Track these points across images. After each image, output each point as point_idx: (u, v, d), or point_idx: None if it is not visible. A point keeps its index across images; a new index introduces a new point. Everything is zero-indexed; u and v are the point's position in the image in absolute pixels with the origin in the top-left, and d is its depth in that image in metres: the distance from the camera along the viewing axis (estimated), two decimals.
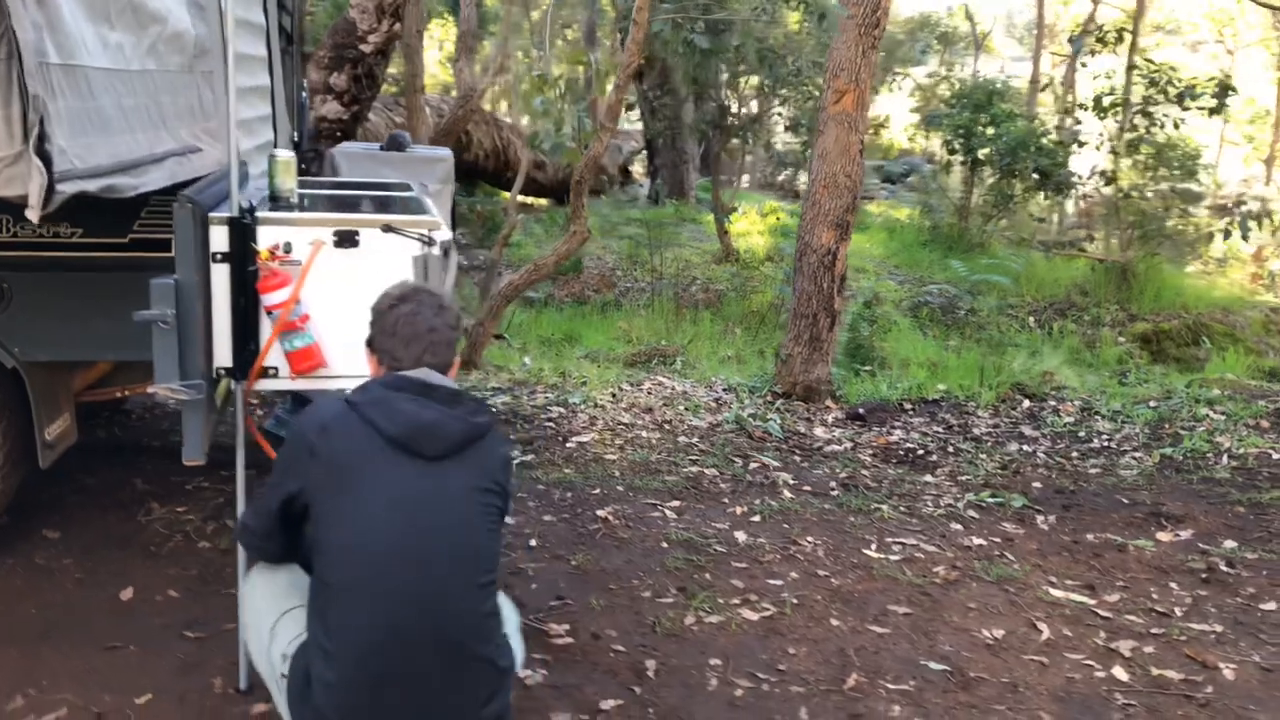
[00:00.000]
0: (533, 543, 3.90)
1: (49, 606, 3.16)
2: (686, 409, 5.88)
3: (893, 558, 3.98)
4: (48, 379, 3.18)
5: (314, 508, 2.04)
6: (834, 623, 3.42)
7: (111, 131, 2.55)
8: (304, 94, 5.21)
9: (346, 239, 2.59)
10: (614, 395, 5.99)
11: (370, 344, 2.19)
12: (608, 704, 2.87)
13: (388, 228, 2.61)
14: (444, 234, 2.71)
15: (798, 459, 5.16)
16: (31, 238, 2.96)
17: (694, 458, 5.01)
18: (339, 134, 8.68)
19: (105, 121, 2.50)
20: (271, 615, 2.18)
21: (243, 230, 2.50)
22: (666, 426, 5.52)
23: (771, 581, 3.70)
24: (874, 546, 4.08)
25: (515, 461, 2.14)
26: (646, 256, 11.38)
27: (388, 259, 2.62)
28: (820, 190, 6.14)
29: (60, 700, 2.71)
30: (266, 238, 2.54)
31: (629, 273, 11.27)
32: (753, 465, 4.97)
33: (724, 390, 6.48)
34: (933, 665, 3.19)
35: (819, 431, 5.72)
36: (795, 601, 3.55)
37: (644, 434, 5.35)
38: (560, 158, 5.98)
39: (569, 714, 2.82)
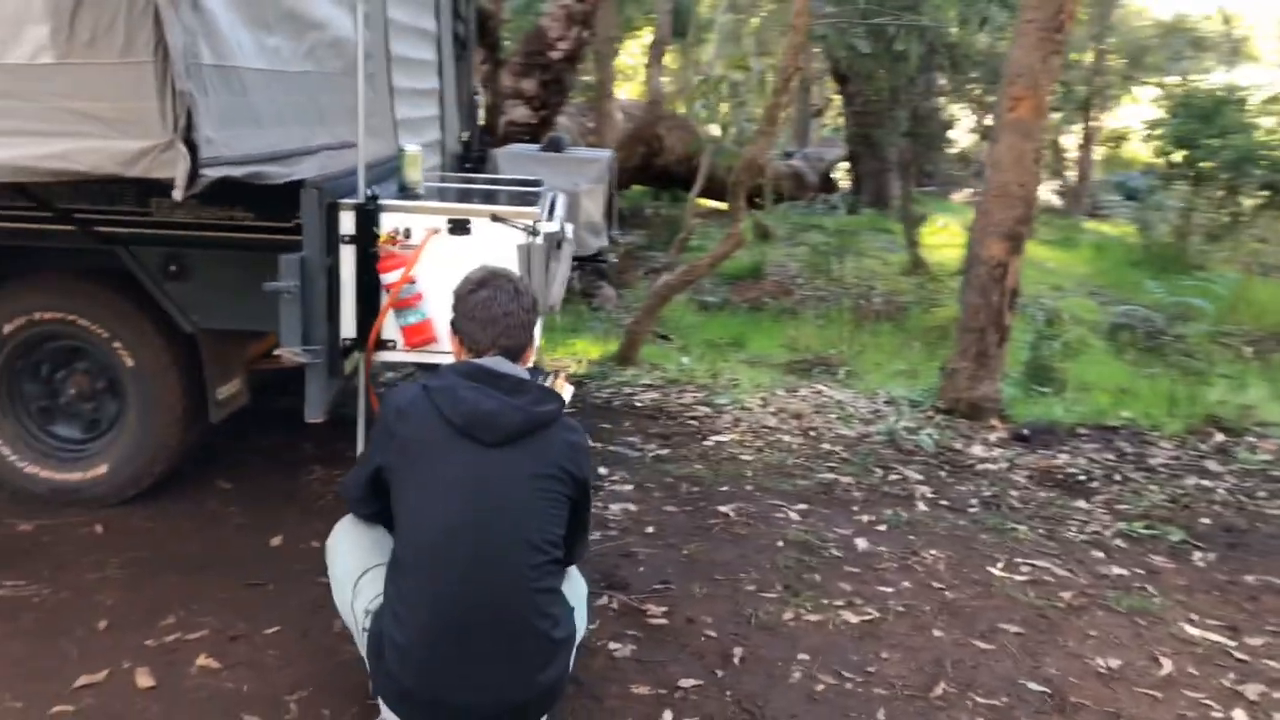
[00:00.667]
0: (650, 530, 4.07)
1: (210, 544, 3.61)
2: (838, 418, 5.88)
3: (1018, 578, 3.89)
4: (220, 345, 3.64)
5: (392, 484, 2.29)
6: (936, 633, 3.40)
7: (264, 125, 2.92)
8: (476, 96, 5.60)
9: (459, 227, 2.86)
10: (764, 400, 6.07)
11: (453, 326, 2.41)
12: (687, 683, 3.00)
13: (495, 218, 2.85)
14: (549, 226, 2.93)
15: (943, 474, 5.07)
16: (211, 219, 3.40)
17: (832, 465, 5.03)
18: (526, 137, 9.21)
19: (258, 116, 2.87)
20: (356, 571, 2.45)
21: (367, 216, 2.80)
22: (811, 433, 5.55)
23: (881, 588, 3.71)
24: (1000, 565, 3.99)
25: (588, 447, 2.29)
26: (831, 265, 11.32)
27: (495, 246, 2.87)
28: (992, 200, 5.99)
29: (204, 623, 3.12)
30: (388, 223, 2.83)
31: (810, 281, 11.25)
32: (892, 477, 4.94)
33: (885, 403, 6.42)
34: (1032, 685, 3.12)
35: (976, 449, 5.59)
36: (901, 609, 3.55)
37: (786, 438, 5.41)
38: (721, 160, 6.12)
39: (649, 688, 2.96)
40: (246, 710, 2.70)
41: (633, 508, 4.28)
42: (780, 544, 4.03)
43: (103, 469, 3.85)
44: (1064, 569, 4.01)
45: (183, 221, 3.51)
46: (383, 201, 2.88)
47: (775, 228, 13.36)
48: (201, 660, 2.92)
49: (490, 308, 2.35)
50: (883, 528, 4.28)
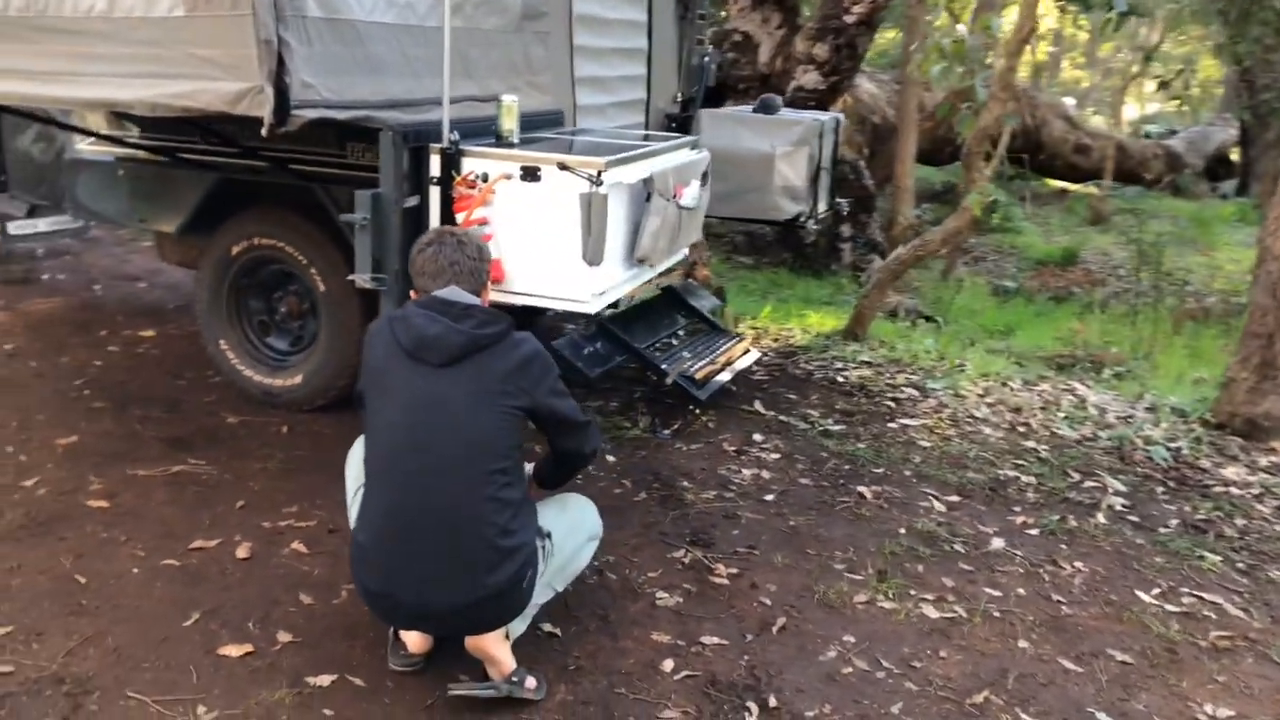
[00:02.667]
0: (768, 498, 4.11)
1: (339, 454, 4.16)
2: (1066, 418, 5.47)
3: (1169, 607, 3.51)
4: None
5: (365, 405, 2.61)
6: (1021, 644, 3.19)
7: (385, 74, 3.31)
8: (705, 58, 5.77)
9: (530, 173, 3.10)
10: (985, 390, 5.77)
11: (413, 287, 2.67)
12: (710, 640, 3.08)
13: (562, 166, 3.06)
14: (620, 177, 3.08)
15: (1158, 490, 4.60)
16: (362, 161, 3.90)
17: (1021, 463, 4.72)
18: (813, 104, 9.19)
19: (377, 65, 3.26)
20: (353, 487, 2.80)
21: (449, 159, 3.13)
22: (1020, 429, 5.22)
23: (988, 590, 3.51)
24: (1155, 592, 3.61)
25: (541, 360, 2.41)
26: (1163, 257, 10.24)
27: (561, 193, 3.08)
28: None
29: (316, 516, 3.65)
30: (469, 167, 3.14)
31: (1134, 273, 10.26)
32: (1087, 484, 4.56)
33: (1145, 409, 5.85)
34: (1101, 715, 2.86)
35: (1228, 471, 4.97)
36: (996, 614, 3.35)
37: (986, 430, 5.14)
38: (962, 129, 5.83)
39: (670, 638, 3.08)
40: (306, 590, 3.16)
41: (765, 475, 4.33)
42: (902, 531, 3.91)
43: (298, 378, 4.54)
44: (1239, 608, 3.55)
45: (371, 165, 4.04)
46: (464, 146, 3.19)
47: (1109, 210, 12.25)
48: (295, 545, 3.44)
49: (437, 259, 2.60)
50: (1034, 532, 4.00)
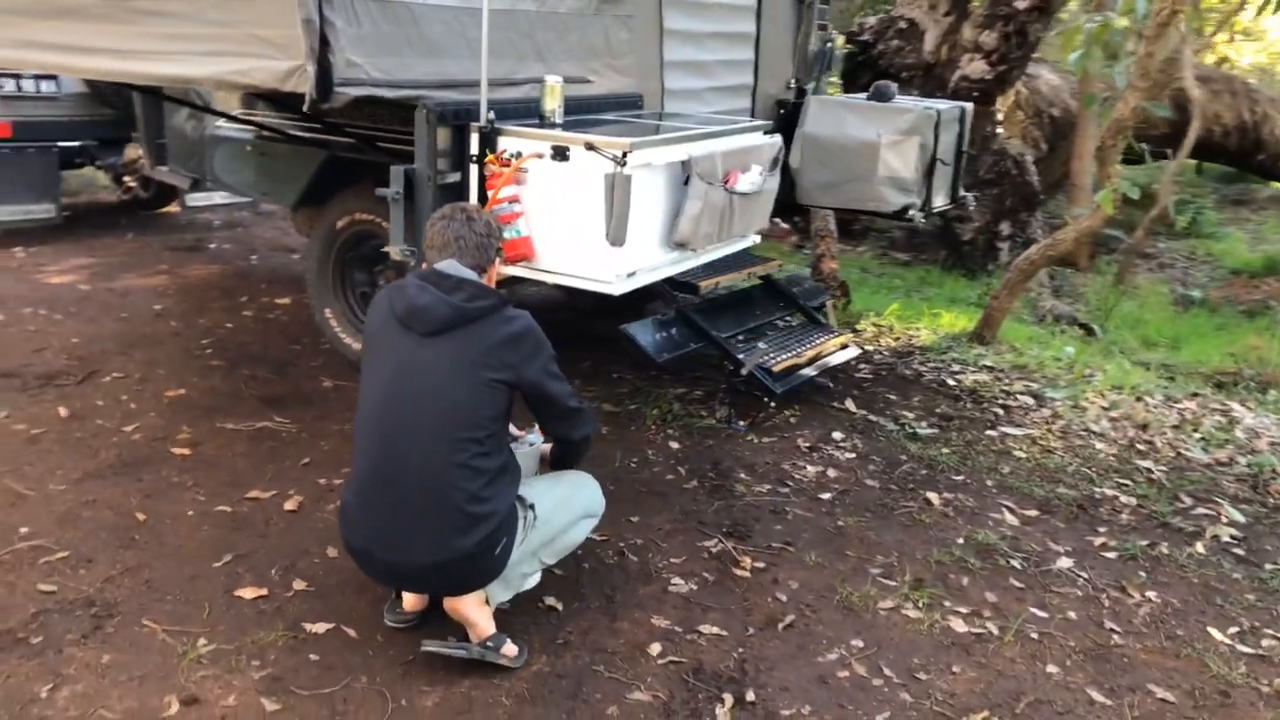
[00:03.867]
0: (825, 495, 4.04)
1: None
2: (1202, 439, 5.08)
3: (1242, 648, 3.23)
4: None
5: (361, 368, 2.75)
6: (1049, 669, 3.02)
7: (442, 56, 3.47)
8: (827, 44, 5.67)
9: (560, 153, 3.18)
10: (1111, 404, 5.42)
11: (423, 257, 2.78)
12: (708, 629, 3.08)
13: (589, 146, 3.12)
14: (648, 158, 3.12)
15: None
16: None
17: (1124, 483, 4.43)
18: (977, 94, 8.83)
19: (433, 47, 3.42)
20: None
21: (485, 138, 3.25)
22: (1139, 447, 4.89)
23: (1034, 609, 3.34)
24: (1232, 631, 3.33)
25: (530, 337, 2.44)
26: None
27: (587, 172, 3.15)
28: None
29: None
30: (505, 145, 3.25)
31: None
32: (1197, 511, 4.23)
33: None
34: None
35: None
36: (1033, 636, 3.19)
37: (1098, 445, 4.84)
38: (1101, 120, 5.47)
39: (669, 623, 3.10)
40: (335, 545, 3.36)
41: (831, 474, 4.25)
42: (959, 541, 3.76)
43: None
44: None
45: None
46: (501, 125, 3.29)
47: None
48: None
49: (444, 233, 2.70)
50: (1111, 555, 3.76)
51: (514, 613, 3.06)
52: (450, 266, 2.69)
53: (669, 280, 4.59)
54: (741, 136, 3.85)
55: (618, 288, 3.27)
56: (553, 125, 3.39)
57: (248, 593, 3.06)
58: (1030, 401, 5.34)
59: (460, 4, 3.54)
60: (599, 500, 3.03)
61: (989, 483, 4.28)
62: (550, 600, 3.15)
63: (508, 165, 3.22)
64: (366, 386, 2.68)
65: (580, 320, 5.71)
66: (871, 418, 4.90)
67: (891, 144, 4.97)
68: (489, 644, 2.76)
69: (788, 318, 5.36)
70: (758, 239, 4.18)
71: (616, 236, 3.12)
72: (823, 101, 5.25)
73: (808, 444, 4.53)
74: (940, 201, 5.48)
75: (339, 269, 4.95)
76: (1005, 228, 8.84)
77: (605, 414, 4.69)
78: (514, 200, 3.23)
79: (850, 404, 5.02)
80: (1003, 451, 4.64)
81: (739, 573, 3.42)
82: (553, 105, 3.40)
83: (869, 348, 6.09)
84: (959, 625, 3.21)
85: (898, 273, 8.88)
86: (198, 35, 3.34)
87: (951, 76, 9.04)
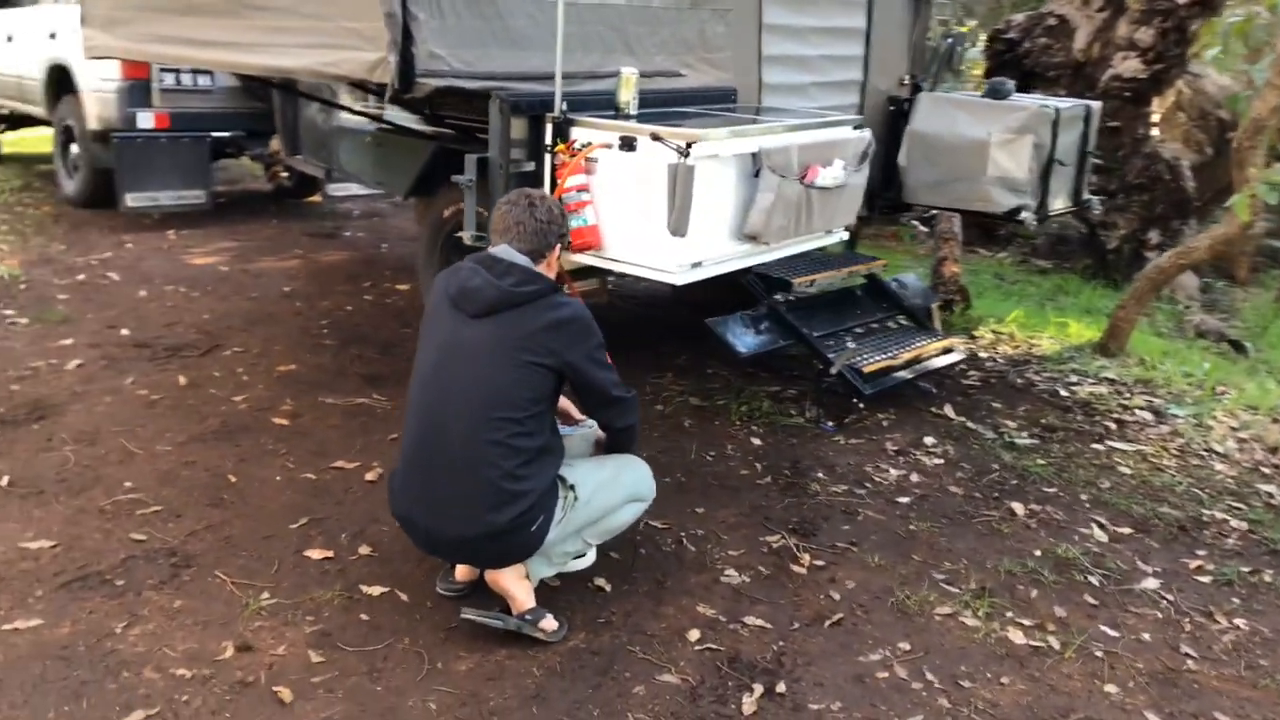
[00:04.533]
0: (902, 499, 3.98)
1: None
2: None
3: None
4: None
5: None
6: (1108, 688, 2.92)
7: (529, 48, 3.60)
8: (949, 40, 5.57)
9: (627, 144, 3.26)
10: (1242, 424, 5.14)
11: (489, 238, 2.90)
12: (753, 621, 3.10)
13: (655, 137, 3.20)
14: (713, 149, 3.18)
15: None
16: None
17: (1239, 506, 4.21)
18: (1129, 94, 8.47)
19: (519, 40, 3.55)
20: None
21: (558, 128, 3.37)
22: (1263, 471, 4.63)
23: (1104, 627, 3.23)
24: None
25: (576, 323, 2.50)
26: None
27: (652, 162, 3.22)
28: None
29: None
30: (577, 136, 3.36)
31: None
32: None
33: None
34: None
35: None
36: (1097, 654, 3.08)
37: (1217, 466, 4.61)
38: (1242, 119, 5.17)
39: (714, 612, 3.14)
40: None
41: (914, 478, 4.18)
42: (1037, 553, 3.65)
43: None
44: None
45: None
46: (573, 116, 3.39)
47: None
48: None
49: (506, 218, 2.81)
50: (1205, 579, 3.59)
51: (563, 590, 3.16)
52: (504, 251, 2.81)
53: (761, 276, 4.62)
54: (823, 130, 3.84)
55: (680, 278, 3.33)
56: (627, 117, 3.47)
57: (315, 554, 3.26)
58: (1149, 417, 5.11)
59: None
60: (648, 485, 3.09)
61: (1083, 497, 4.13)
62: (600, 581, 3.23)
63: (569, 152, 3.32)
64: (419, 363, 2.83)
65: (692, 315, 5.77)
66: (970, 425, 4.79)
67: (1003, 142, 4.85)
68: (527, 617, 2.86)
69: (891, 319, 5.29)
70: (845, 235, 4.15)
71: (678, 227, 3.18)
72: (934, 98, 5.17)
73: (895, 447, 4.47)
74: (1060, 204, 5.30)
75: (445, 256, 5.15)
76: (1154, 236, 8.43)
77: (691, 408, 4.75)
78: (583, 189, 3.33)
79: (949, 410, 4.92)
80: (1106, 466, 4.46)
81: (796, 569, 3.43)
82: (627, 97, 3.48)
83: (984, 355, 5.94)
84: (1017, 637, 3.13)
85: (1034, 280, 8.58)
86: (297, 28, 3.58)
87: (1102, 75, 8.68)
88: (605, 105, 3.62)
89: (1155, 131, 8.88)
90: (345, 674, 2.70)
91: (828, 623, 3.12)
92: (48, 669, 2.64)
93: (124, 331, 5.33)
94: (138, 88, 7.33)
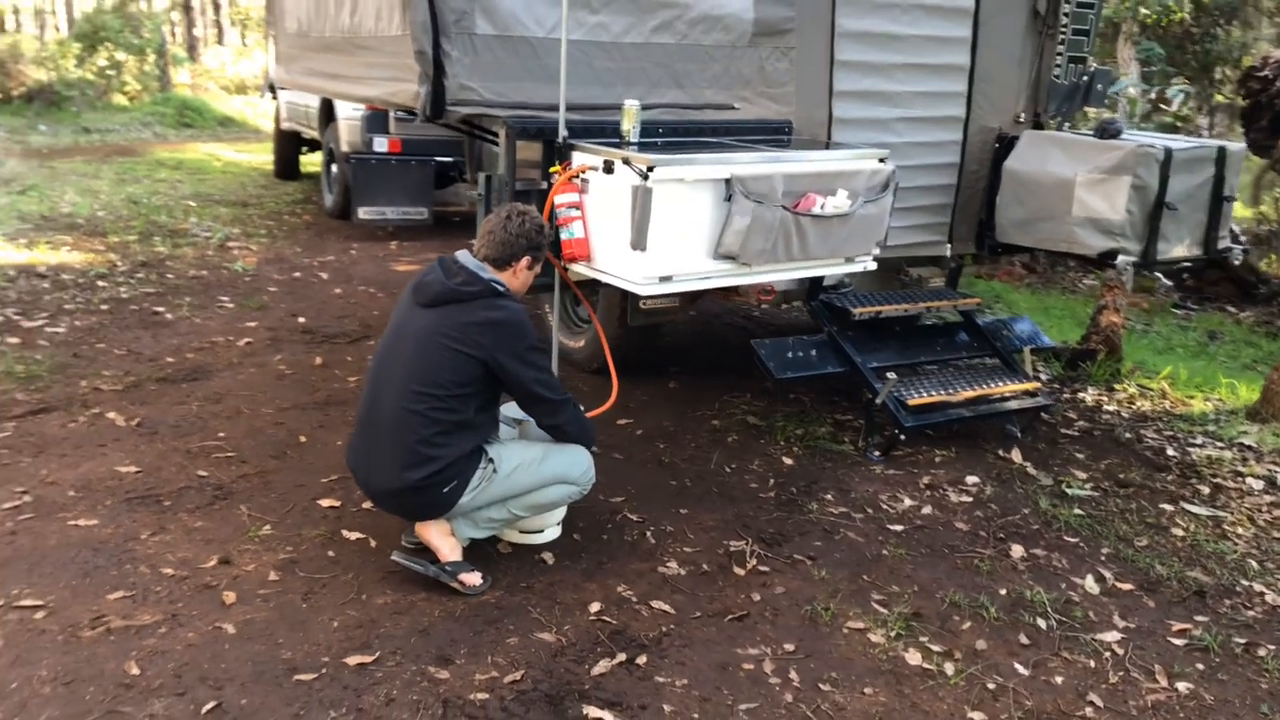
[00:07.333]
0: (898, 528, 4.10)
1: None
2: None
3: None
4: None
5: None
6: (971, 715, 3.02)
7: (559, 82, 4.14)
8: (1084, 77, 5.51)
9: (608, 167, 3.73)
10: None
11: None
12: (659, 605, 3.41)
13: (625, 161, 3.64)
14: (675, 174, 3.58)
15: None
16: None
17: None
18: None
19: (553, 75, 4.08)
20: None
21: (558, 152, 3.89)
22: None
23: (1015, 665, 3.25)
24: None
25: (507, 325, 2.88)
26: None
27: (622, 184, 3.66)
28: None
29: None
30: (575, 160, 3.87)
31: None
32: None
33: None
34: None
35: None
36: (989, 686, 3.14)
37: None
38: None
39: (633, 593, 3.49)
40: None
41: (926, 510, 4.28)
42: (1001, 592, 3.69)
43: (583, 342, 5.57)
44: None
45: None
46: (574, 142, 3.88)
47: None
48: None
49: (485, 225, 3.34)
50: (1178, 641, 3.47)
51: (510, 557, 3.66)
52: (463, 256, 3.36)
53: (826, 304, 4.89)
54: (826, 160, 4.08)
55: (645, 289, 3.72)
56: (627, 144, 3.92)
57: (325, 503, 3.95)
58: (1257, 485, 4.82)
59: (586, 38, 4.19)
60: (579, 471, 3.50)
61: (1104, 550, 4.06)
62: (546, 556, 3.68)
63: (571, 175, 3.82)
64: (380, 340, 3.44)
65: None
66: (1031, 470, 4.76)
67: (1091, 182, 4.79)
68: (447, 568, 3.38)
69: (977, 358, 5.30)
70: (872, 265, 4.32)
71: (637, 241, 3.59)
72: (1035, 136, 5.16)
73: (928, 481, 4.55)
74: (1180, 251, 5.11)
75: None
76: None
77: (744, 425, 5.05)
78: (574, 206, 3.81)
79: (1016, 454, 4.90)
80: (1157, 526, 4.31)
81: (736, 570, 3.69)
82: (628, 126, 3.92)
83: (1111, 407, 5.75)
84: (914, 658, 3.24)
85: (1228, 330, 7.97)
86: (380, 64, 4.34)
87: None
88: (648, 134, 4.07)
89: None
90: (286, 592, 3.34)
91: (729, 617, 3.39)
92: (79, 554, 3.47)
93: (300, 319, 6.39)
94: (377, 117, 8.57)
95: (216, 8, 29.12)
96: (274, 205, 10.54)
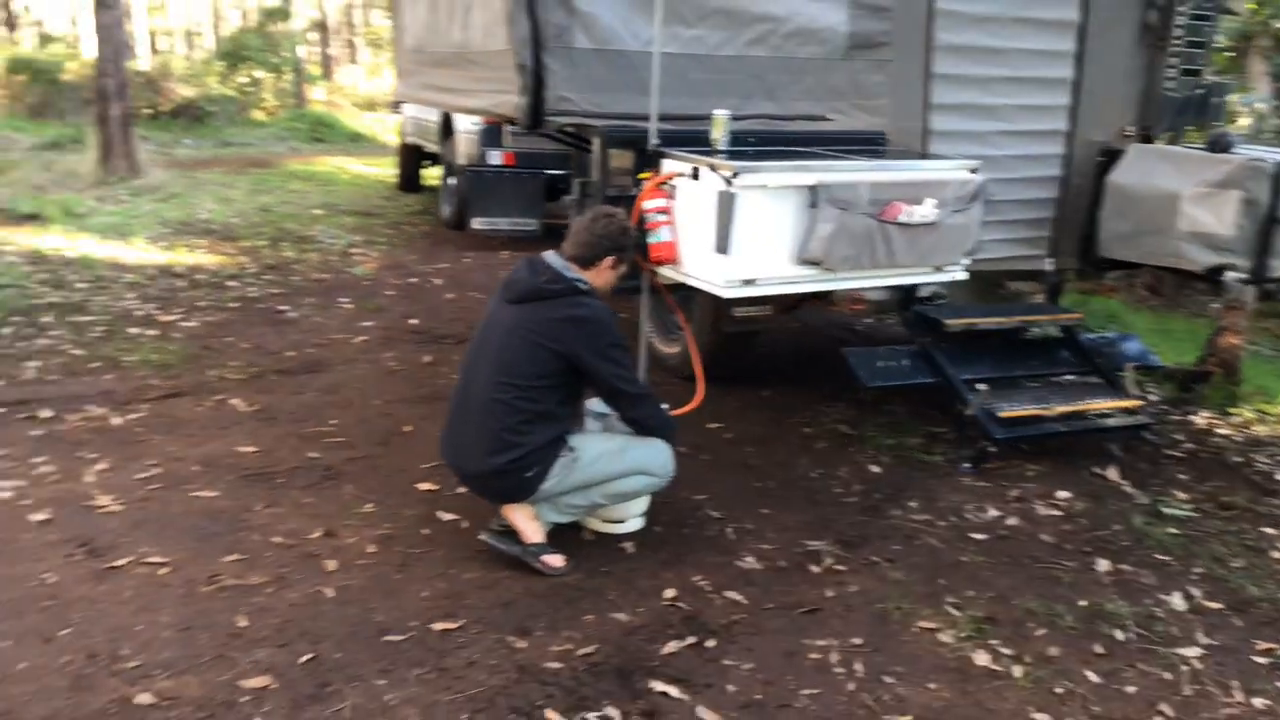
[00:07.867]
0: (979, 536, 4.14)
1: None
2: None
3: None
4: None
5: None
6: (1035, 716, 3.10)
7: (659, 93, 4.36)
8: (1200, 91, 5.47)
9: (695, 174, 3.92)
10: None
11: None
12: (731, 594, 3.57)
13: (712, 167, 3.83)
14: (759, 180, 3.75)
15: None
16: None
17: None
18: None
19: (645, 86, 4.30)
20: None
21: (649, 160, 4.10)
22: None
23: (1088, 673, 3.29)
24: None
25: (587, 322, 3.18)
26: None
27: (708, 190, 3.85)
28: None
29: None
30: (665, 167, 4.08)
31: None
32: None
33: None
34: None
35: None
36: (1056, 690, 3.19)
37: None
38: None
39: (707, 582, 3.65)
40: None
41: (1011, 521, 4.31)
42: (1082, 603, 3.71)
43: (677, 349, 5.77)
44: None
45: None
46: (664, 149, 4.07)
47: None
48: None
49: (576, 226, 3.58)
50: (1261, 659, 3.46)
51: (594, 545, 3.86)
52: (550, 256, 3.60)
53: (920, 315, 4.99)
54: (914, 170, 4.19)
55: (726, 291, 3.88)
56: (716, 152, 4.10)
57: (424, 486, 4.23)
58: None
59: (681, 50, 4.41)
60: (659, 463, 3.69)
61: (1196, 569, 4.04)
62: (626, 545, 3.87)
63: (649, 179, 4.03)
64: (473, 336, 3.71)
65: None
66: (1127, 489, 4.74)
67: (1199, 196, 4.77)
68: (530, 549, 3.60)
69: (1075, 375, 5.30)
70: (962, 275, 4.39)
71: (721, 245, 3.76)
72: (1142, 149, 5.16)
73: (1017, 494, 4.59)
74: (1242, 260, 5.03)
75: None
76: None
77: (835, 434, 5.16)
78: (662, 211, 4.01)
79: (1113, 472, 4.88)
80: (1255, 548, 4.26)
81: (812, 568, 3.82)
82: (717, 135, 4.10)
83: (1224, 430, 5.66)
84: (982, 659, 3.31)
85: None
86: (487, 77, 4.64)
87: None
88: (740, 144, 4.25)
89: None
90: (382, 563, 3.61)
91: (800, 610, 3.52)
92: (200, 521, 3.82)
93: (413, 321, 6.76)
94: (492, 131, 8.95)
95: (351, 28, 30.49)
96: (395, 216, 11.07)
